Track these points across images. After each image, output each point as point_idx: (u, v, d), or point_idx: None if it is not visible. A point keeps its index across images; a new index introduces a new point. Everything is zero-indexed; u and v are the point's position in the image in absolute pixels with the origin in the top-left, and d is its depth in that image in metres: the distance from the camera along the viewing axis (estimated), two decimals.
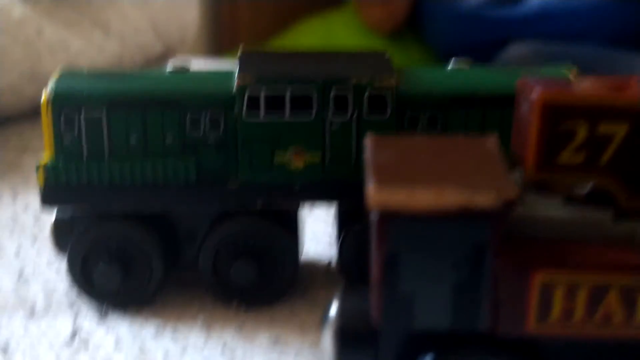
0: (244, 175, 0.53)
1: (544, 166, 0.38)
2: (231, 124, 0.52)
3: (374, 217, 0.36)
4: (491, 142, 0.40)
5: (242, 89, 0.51)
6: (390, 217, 0.36)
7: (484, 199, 0.35)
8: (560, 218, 0.38)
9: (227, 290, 0.55)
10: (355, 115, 0.52)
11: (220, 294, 0.55)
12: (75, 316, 0.54)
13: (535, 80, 0.40)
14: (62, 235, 0.56)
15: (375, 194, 0.36)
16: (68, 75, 0.55)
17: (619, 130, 0.37)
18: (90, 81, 0.54)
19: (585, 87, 0.38)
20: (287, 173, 0.53)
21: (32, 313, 0.54)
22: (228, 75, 0.54)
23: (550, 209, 0.38)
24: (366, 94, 0.52)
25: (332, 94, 0.52)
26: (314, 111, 0.52)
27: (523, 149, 0.40)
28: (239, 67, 0.53)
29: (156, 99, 0.53)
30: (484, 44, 1.56)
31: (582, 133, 0.37)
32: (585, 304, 0.37)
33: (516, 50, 1.57)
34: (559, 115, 0.37)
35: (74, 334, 0.52)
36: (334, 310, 0.42)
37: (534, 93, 0.38)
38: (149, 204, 0.54)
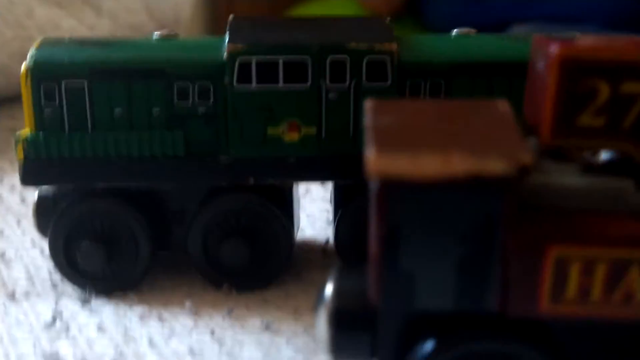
0: (235, 149, 0.50)
1: (561, 130, 0.35)
2: (221, 95, 0.49)
3: (373, 186, 0.33)
4: (503, 104, 0.37)
5: (232, 57, 0.48)
6: (392, 186, 0.33)
7: (496, 165, 0.32)
8: (578, 187, 0.34)
9: (218, 272, 0.52)
10: (353, 84, 0.49)
11: (210, 276, 0.52)
12: (58, 299, 0.51)
13: (553, 36, 0.36)
14: (44, 215, 0.53)
15: (375, 161, 0.32)
16: (49, 44, 0.51)
17: None
18: (71, 50, 0.50)
19: (608, 42, 0.35)
20: (281, 147, 0.50)
21: (12, 296, 0.51)
22: (218, 42, 0.50)
23: (567, 177, 0.35)
24: (365, 60, 0.48)
25: (328, 60, 0.48)
26: (309, 80, 0.49)
27: (538, 112, 0.36)
28: (229, 35, 0.49)
29: (141, 68, 0.49)
30: (485, 26, 1.52)
31: (603, 93, 0.34)
32: (604, 281, 0.33)
33: (518, 32, 1.55)
34: (579, 73, 0.34)
35: (54, 318, 0.48)
36: (328, 291, 0.39)
37: (552, 48, 0.34)
38: (134, 180, 0.50)
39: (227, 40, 0.49)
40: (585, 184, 0.35)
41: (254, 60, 0.48)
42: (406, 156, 0.32)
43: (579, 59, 0.34)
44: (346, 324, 0.38)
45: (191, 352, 0.45)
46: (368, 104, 0.38)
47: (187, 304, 0.50)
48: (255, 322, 0.48)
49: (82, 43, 0.52)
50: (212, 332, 0.47)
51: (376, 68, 0.49)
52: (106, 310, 0.49)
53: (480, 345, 0.35)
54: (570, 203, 0.35)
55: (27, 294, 0.51)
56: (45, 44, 0.51)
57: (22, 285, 0.53)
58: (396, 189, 0.33)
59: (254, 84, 0.48)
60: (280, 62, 0.48)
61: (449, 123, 0.35)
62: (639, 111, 0.34)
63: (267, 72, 0.48)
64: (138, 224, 0.51)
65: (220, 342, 0.46)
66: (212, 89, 0.49)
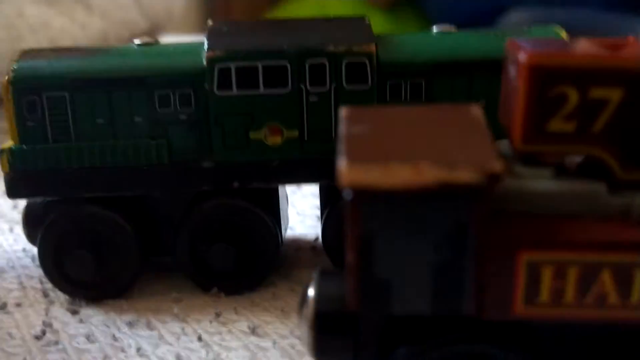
0: (219, 154, 0.50)
1: (532, 135, 0.35)
2: (202, 101, 0.49)
3: (346, 196, 0.33)
4: (475, 110, 0.37)
5: (211, 63, 0.48)
6: (364, 196, 0.33)
7: (465, 174, 0.32)
8: (550, 191, 0.35)
9: (206, 276, 0.53)
10: (334, 86, 0.49)
11: (198, 280, 0.53)
12: (48, 309, 0.51)
13: (525, 42, 0.36)
14: (33, 224, 0.54)
15: (347, 172, 0.33)
16: (29, 56, 0.52)
17: (613, 95, 0.34)
18: (52, 60, 0.51)
19: (578, 48, 0.35)
20: (264, 150, 0.50)
21: (4, 305, 0.52)
22: (198, 48, 0.50)
23: (539, 182, 0.35)
24: (344, 62, 0.49)
25: (307, 64, 0.49)
26: (289, 84, 0.49)
27: (510, 116, 0.37)
28: (208, 41, 0.49)
29: (121, 77, 0.49)
30: (484, 11, 1.52)
31: (573, 99, 0.34)
32: (577, 284, 0.34)
33: (516, 16, 1.54)
34: (548, 79, 0.34)
35: (45, 326, 0.49)
36: (310, 294, 0.39)
37: (521, 55, 0.35)
38: (121, 189, 0.51)
39: (205, 46, 0.49)
40: (557, 188, 0.35)
41: (233, 66, 0.48)
42: (377, 166, 0.32)
43: (548, 65, 0.34)
44: (328, 327, 0.38)
45: (178, 358, 0.46)
46: (342, 112, 0.38)
47: (175, 309, 0.50)
48: (242, 325, 0.49)
49: (62, 53, 0.52)
50: (200, 338, 0.48)
51: (356, 70, 0.49)
52: (95, 320, 0.50)
53: (457, 348, 0.36)
54: (542, 208, 0.35)
55: (18, 303, 0.52)
56: (25, 56, 0.51)
57: (14, 296, 0.53)
58: (368, 199, 0.33)
59: (234, 89, 0.49)
60: (260, 67, 0.48)
61: (420, 131, 0.36)
62: (609, 115, 0.34)
63: (247, 77, 0.49)
64: (126, 231, 0.51)
65: (207, 348, 0.47)
66: (193, 96, 0.49)
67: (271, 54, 0.48)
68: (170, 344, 0.47)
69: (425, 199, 0.33)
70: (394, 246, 0.34)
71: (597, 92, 0.34)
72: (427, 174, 0.32)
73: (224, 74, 0.48)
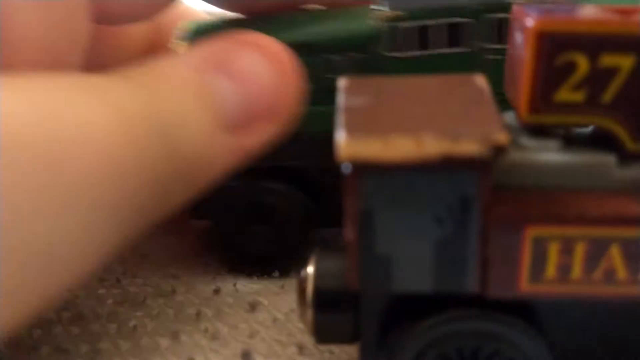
0: None
1: (539, 106, 0.34)
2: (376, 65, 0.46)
3: (344, 170, 0.32)
4: (480, 80, 0.36)
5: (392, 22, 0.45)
6: (363, 170, 0.32)
7: (469, 146, 0.31)
8: (557, 163, 0.34)
9: None
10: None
11: None
12: None
13: (532, 7, 0.35)
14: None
15: (345, 145, 0.31)
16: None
17: (625, 63, 0.32)
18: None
19: (586, 14, 0.34)
20: None
21: None
22: (364, 12, 0.48)
23: (545, 154, 0.34)
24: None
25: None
26: (471, 41, 0.46)
27: (515, 87, 0.35)
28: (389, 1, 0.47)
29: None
30: None
31: (582, 67, 0.33)
32: (584, 260, 0.32)
33: None
34: (556, 46, 0.33)
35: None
36: (309, 271, 0.38)
37: (528, 20, 0.33)
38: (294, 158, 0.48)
39: (383, 6, 0.46)
40: (564, 160, 0.34)
41: (412, 25, 0.46)
42: (377, 139, 0.31)
43: (556, 31, 0.32)
44: (328, 306, 0.38)
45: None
46: (341, 83, 0.37)
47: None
48: (242, 302, 0.48)
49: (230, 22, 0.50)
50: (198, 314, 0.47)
51: None
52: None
53: (460, 326, 0.35)
54: (548, 181, 0.34)
55: None
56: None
57: None
58: (368, 173, 0.32)
59: (412, 49, 0.46)
60: (440, 25, 0.46)
61: (422, 102, 0.34)
62: (619, 85, 0.33)
63: (425, 37, 0.46)
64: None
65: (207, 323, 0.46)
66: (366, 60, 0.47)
67: (450, 10, 0.46)
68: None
69: (427, 172, 0.31)
70: (395, 222, 0.33)
71: (607, 60, 0.32)
72: (429, 147, 0.31)
73: (404, 33, 0.46)
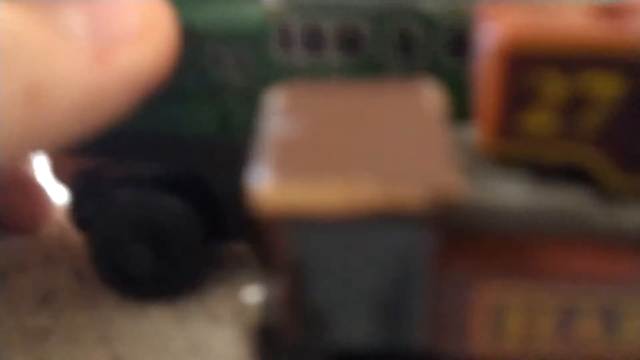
0: None
1: (505, 132, 0.28)
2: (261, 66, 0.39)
3: (267, 220, 0.27)
4: (428, 93, 0.29)
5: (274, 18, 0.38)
6: (290, 222, 0.26)
7: (410, 197, 0.25)
8: (523, 205, 0.28)
9: None
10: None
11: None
12: None
13: (498, 7, 0.28)
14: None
15: (267, 192, 0.26)
16: None
17: (611, 86, 0.26)
18: None
19: (565, 17, 0.27)
20: None
21: None
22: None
23: (510, 192, 0.28)
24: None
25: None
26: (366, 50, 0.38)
27: (479, 106, 0.29)
28: None
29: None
30: None
31: (557, 88, 0.26)
32: (552, 322, 0.28)
33: None
34: (525, 61, 0.26)
35: None
36: (252, 303, 0.34)
37: (492, 27, 0.27)
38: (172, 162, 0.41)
39: None
40: (532, 201, 0.28)
41: (298, 23, 0.38)
42: (303, 184, 0.26)
43: (526, 44, 0.26)
44: (272, 343, 0.33)
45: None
46: (276, 95, 0.31)
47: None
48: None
49: None
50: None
51: None
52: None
53: None
54: (513, 226, 0.28)
55: None
56: None
57: None
58: (294, 222, 0.27)
59: (299, 54, 0.39)
60: (330, 27, 0.38)
61: (365, 123, 0.28)
62: (603, 113, 0.26)
63: (313, 39, 0.38)
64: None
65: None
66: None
67: (346, 11, 0.37)
68: None
69: (362, 225, 0.26)
70: (330, 275, 0.28)
71: (589, 82, 0.26)
72: (361, 196, 0.25)
73: (287, 33, 0.38)
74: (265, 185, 0.26)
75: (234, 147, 0.39)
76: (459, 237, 0.28)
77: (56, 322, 0.43)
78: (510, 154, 0.28)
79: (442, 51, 0.38)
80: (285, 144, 0.27)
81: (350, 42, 0.38)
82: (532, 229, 0.28)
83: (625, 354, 0.27)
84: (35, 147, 0.36)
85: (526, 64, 0.26)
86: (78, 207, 0.44)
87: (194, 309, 0.44)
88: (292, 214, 0.26)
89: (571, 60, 0.26)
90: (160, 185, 0.41)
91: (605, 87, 0.26)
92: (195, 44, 0.38)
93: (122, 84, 0.37)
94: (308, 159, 0.27)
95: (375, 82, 0.32)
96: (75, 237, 0.49)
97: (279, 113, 0.29)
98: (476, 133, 0.29)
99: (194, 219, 0.41)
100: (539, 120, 0.27)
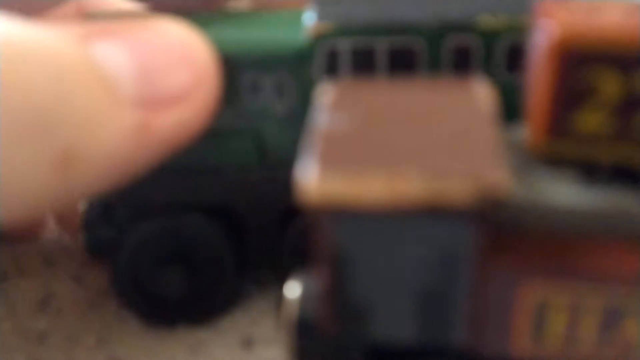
0: None
1: (557, 131, 0.27)
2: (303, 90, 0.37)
3: (312, 212, 0.27)
4: (480, 90, 0.29)
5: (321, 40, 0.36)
6: (334, 212, 0.27)
7: (456, 192, 0.25)
8: (574, 206, 0.27)
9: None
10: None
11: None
12: None
13: (554, 5, 0.28)
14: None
15: (313, 184, 0.26)
16: None
17: None
18: None
19: (619, 16, 0.26)
20: None
21: None
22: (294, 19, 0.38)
23: (560, 193, 0.28)
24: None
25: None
26: (419, 69, 0.36)
27: (531, 104, 0.29)
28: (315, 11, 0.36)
29: None
30: None
31: (613, 87, 0.26)
32: (596, 327, 0.27)
33: None
34: (581, 60, 0.26)
35: None
36: (292, 297, 0.34)
37: (549, 27, 0.26)
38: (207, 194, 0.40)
39: (310, 17, 0.36)
40: (583, 203, 0.27)
41: (347, 45, 0.36)
42: (350, 177, 0.26)
43: (584, 41, 0.26)
44: (310, 336, 0.34)
45: None
46: (325, 91, 0.31)
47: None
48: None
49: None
50: None
51: None
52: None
53: None
54: (562, 226, 0.28)
55: None
56: None
57: None
58: (339, 215, 0.27)
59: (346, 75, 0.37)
60: (382, 47, 0.36)
61: (410, 120, 0.28)
62: None
63: (363, 60, 0.36)
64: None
65: None
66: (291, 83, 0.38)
67: (400, 30, 0.35)
68: None
69: (407, 220, 0.26)
70: (372, 268, 0.28)
71: None
72: (407, 190, 0.26)
73: (335, 55, 0.36)
74: (312, 177, 0.26)
75: (269, 177, 0.38)
76: (504, 235, 0.27)
77: (55, 325, 0.43)
78: (560, 153, 0.27)
79: (499, 67, 0.36)
80: (332, 137, 0.28)
81: (404, 61, 0.36)
82: (579, 229, 0.27)
83: None
84: (61, 205, 0.32)
85: (581, 61, 0.26)
86: (95, 234, 0.42)
87: None
88: (337, 207, 0.26)
89: (627, 58, 0.25)
90: (195, 214, 0.40)
91: None
92: (230, 71, 0.36)
93: (164, 147, 0.33)
94: (355, 152, 0.27)
95: (426, 78, 0.32)
96: (74, 242, 0.49)
97: (327, 107, 0.30)
98: (527, 132, 0.29)
99: (227, 247, 0.40)
100: (592, 120, 0.26)
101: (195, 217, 0.40)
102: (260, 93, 0.37)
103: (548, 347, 0.28)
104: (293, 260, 0.40)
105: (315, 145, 0.27)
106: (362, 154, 0.27)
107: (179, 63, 0.33)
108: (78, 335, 0.43)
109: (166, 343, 0.42)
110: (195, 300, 0.41)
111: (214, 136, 0.37)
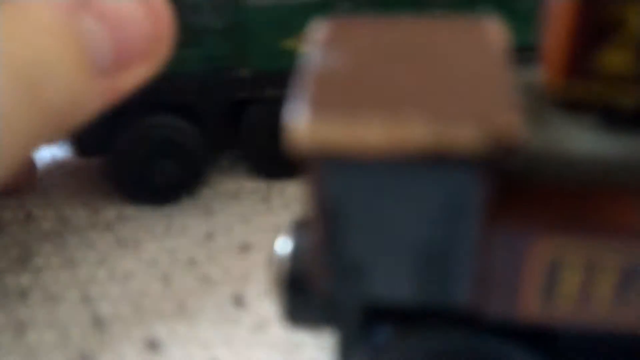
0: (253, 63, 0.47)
1: (575, 71, 0.25)
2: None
3: (306, 159, 0.25)
4: (493, 28, 0.26)
5: None
6: (327, 162, 0.24)
7: (463, 138, 0.23)
8: (592, 152, 0.25)
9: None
10: None
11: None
12: None
13: None
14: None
15: (305, 129, 0.24)
16: None
17: None
18: None
19: None
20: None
21: None
22: None
23: (578, 138, 0.25)
24: None
25: None
26: None
27: (547, 43, 0.26)
28: None
29: None
30: None
31: (634, 23, 0.23)
32: (613, 284, 0.25)
33: None
34: None
35: None
36: (284, 251, 0.32)
37: None
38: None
39: None
40: (603, 148, 0.25)
41: None
42: (344, 121, 0.23)
43: None
44: (302, 291, 0.32)
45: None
46: (318, 28, 0.28)
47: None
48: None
49: None
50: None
51: None
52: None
53: (451, 338, 0.29)
54: (580, 175, 0.25)
55: None
56: None
57: None
58: (333, 163, 0.24)
59: None
60: None
61: (413, 60, 0.25)
62: None
63: None
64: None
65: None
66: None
67: None
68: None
69: (409, 168, 0.24)
70: (369, 221, 0.25)
71: None
72: (409, 136, 0.23)
73: None
74: (302, 122, 0.23)
75: (217, 78, 0.47)
76: (515, 187, 0.25)
77: (36, 281, 0.42)
78: (579, 96, 0.25)
79: None
80: (325, 78, 0.25)
81: None
82: (598, 179, 0.25)
83: None
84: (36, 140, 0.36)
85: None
86: (86, 136, 0.49)
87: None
88: (329, 153, 0.24)
89: None
90: (168, 111, 0.49)
91: None
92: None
93: (125, 95, 0.38)
94: (350, 94, 0.24)
95: (432, 16, 0.29)
96: (57, 196, 0.50)
97: (320, 46, 0.27)
98: (542, 74, 0.26)
99: (196, 135, 0.49)
100: (617, 58, 0.24)
101: (167, 117, 0.49)
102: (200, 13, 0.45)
103: (559, 309, 0.26)
104: (249, 144, 0.50)
105: (306, 86, 0.25)
106: (359, 96, 0.24)
107: (144, 25, 0.37)
108: (61, 292, 0.41)
109: (154, 298, 0.41)
110: (176, 183, 0.49)
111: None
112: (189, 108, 0.49)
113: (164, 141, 0.49)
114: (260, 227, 0.46)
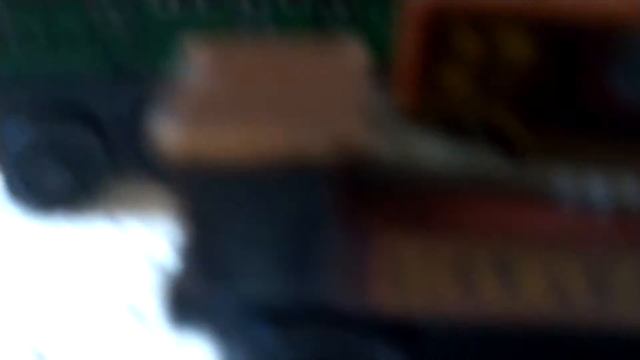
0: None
1: (423, 89, 0.28)
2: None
3: (174, 168, 0.26)
4: (354, 52, 0.29)
5: None
6: (193, 170, 0.26)
7: (314, 146, 0.25)
8: (435, 161, 0.28)
9: None
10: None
11: None
12: None
13: None
14: None
15: (171, 139, 0.25)
16: None
17: (523, 47, 0.26)
18: None
19: None
20: None
21: None
22: None
23: (421, 149, 0.28)
24: None
25: None
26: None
27: (399, 65, 0.29)
28: None
29: None
30: None
31: (472, 46, 0.26)
32: (450, 278, 0.27)
33: None
34: (445, 22, 0.26)
35: None
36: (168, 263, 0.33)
37: None
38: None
39: None
40: (445, 158, 0.28)
41: None
42: (206, 132, 0.25)
43: (448, 6, 0.26)
44: (180, 297, 0.33)
45: None
46: (192, 48, 0.30)
47: None
48: None
49: None
50: None
51: None
52: None
53: (320, 333, 0.31)
54: (425, 181, 0.28)
55: None
56: None
57: None
58: (200, 175, 0.26)
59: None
60: None
61: (276, 80, 0.28)
62: (517, 72, 0.26)
63: None
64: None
65: None
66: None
67: None
68: None
69: (265, 175, 0.26)
70: (234, 226, 0.27)
71: (503, 42, 0.26)
72: (264, 143, 0.25)
73: None
74: (169, 133, 0.25)
75: (116, 80, 0.45)
76: (370, 193, 0.28)
77: None
78: (428, 111, 0.28)
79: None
80: (193, 94, 0.27)
81: None
82: (443, 185, 0.28)
83: (524, 309, 0.27)
84: None
85: (447, 23, 0.26)
86: None
87: None
88: (195, 162, 0.26)
89: (484, 18, 0.26)
90: (65, 113, 0.46)
91: (518, 49, 0.26)
92: None
93: None
94: (215, 109, 0.26)
95: (301, 39, 0.32)
96: None
97: (192, 65, 0.29)
98: (397, 92, 0.29)
99: (94, 140, 0.47)
100: (456, 79, 0.27)
101: (63, 119, 0.47)
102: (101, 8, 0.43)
103: (408, 301, 0.28)
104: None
105: (175, 101, 0.27)
106: (223, 111, 0.26)
107: None
108: None
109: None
110: (75, 190, 0.48)
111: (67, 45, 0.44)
112: (87, 110, 0.47)
113: (57, 145, 0.47)
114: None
